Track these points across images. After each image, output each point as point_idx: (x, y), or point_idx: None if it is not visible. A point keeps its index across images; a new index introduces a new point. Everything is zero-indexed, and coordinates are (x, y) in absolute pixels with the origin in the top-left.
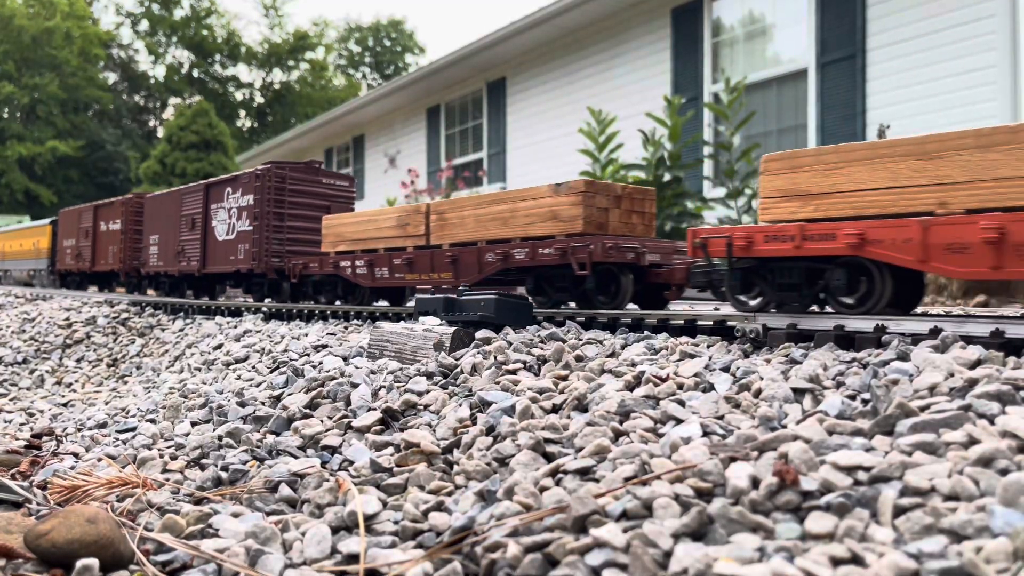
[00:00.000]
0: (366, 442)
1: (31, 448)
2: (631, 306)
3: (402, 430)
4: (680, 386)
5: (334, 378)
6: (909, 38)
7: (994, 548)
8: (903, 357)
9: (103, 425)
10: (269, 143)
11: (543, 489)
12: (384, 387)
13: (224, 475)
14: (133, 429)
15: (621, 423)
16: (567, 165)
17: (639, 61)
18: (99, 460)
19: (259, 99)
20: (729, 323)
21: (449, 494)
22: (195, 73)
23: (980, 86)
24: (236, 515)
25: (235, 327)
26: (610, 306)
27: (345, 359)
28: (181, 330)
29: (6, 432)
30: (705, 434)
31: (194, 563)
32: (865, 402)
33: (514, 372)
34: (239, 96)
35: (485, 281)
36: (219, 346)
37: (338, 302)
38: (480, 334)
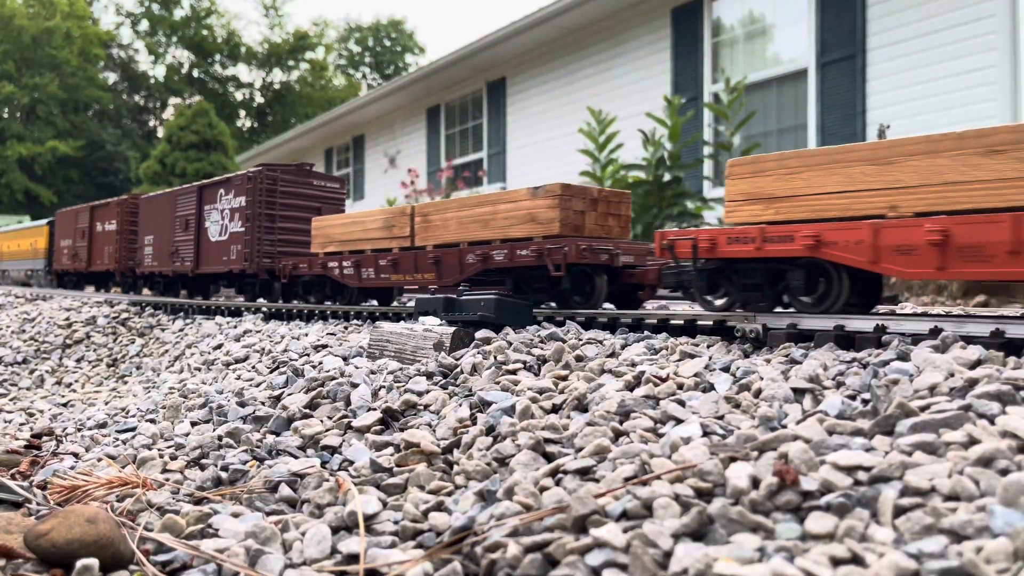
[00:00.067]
0: (366, 442)
1: (31, 448)
2: (607, 305)
3: (402, 430)
4: (680, 386)
5: (334, 378)
6: (909, 38)
7: (994, 548)
8: (903, 357)
9: (103, 425)
10: (269, 143)
11: (543, 489)
12: (384, 387)
13: (224, 475)
14: (133, 429)
15: (621, 423)
16: (567, 165)
17: (639, 61)
18: (99, 460)
19: (259, 99)
20: (729, 323)
21: (449, 494)
22: (195, 73)
23: (980, 86)
24: (236, 515)
25: (235, 327)
26: (586, 306)
27: (345, 359)
28: (181, 330)
29: (6, 432)
30: (705, 434)
31: (194, 563)
32: (865, 402)
33: (514, 372)
34: (239, 96)
35: (466, 281)
36: (219, 346)
37: (327, 302)
38: (480, 334)
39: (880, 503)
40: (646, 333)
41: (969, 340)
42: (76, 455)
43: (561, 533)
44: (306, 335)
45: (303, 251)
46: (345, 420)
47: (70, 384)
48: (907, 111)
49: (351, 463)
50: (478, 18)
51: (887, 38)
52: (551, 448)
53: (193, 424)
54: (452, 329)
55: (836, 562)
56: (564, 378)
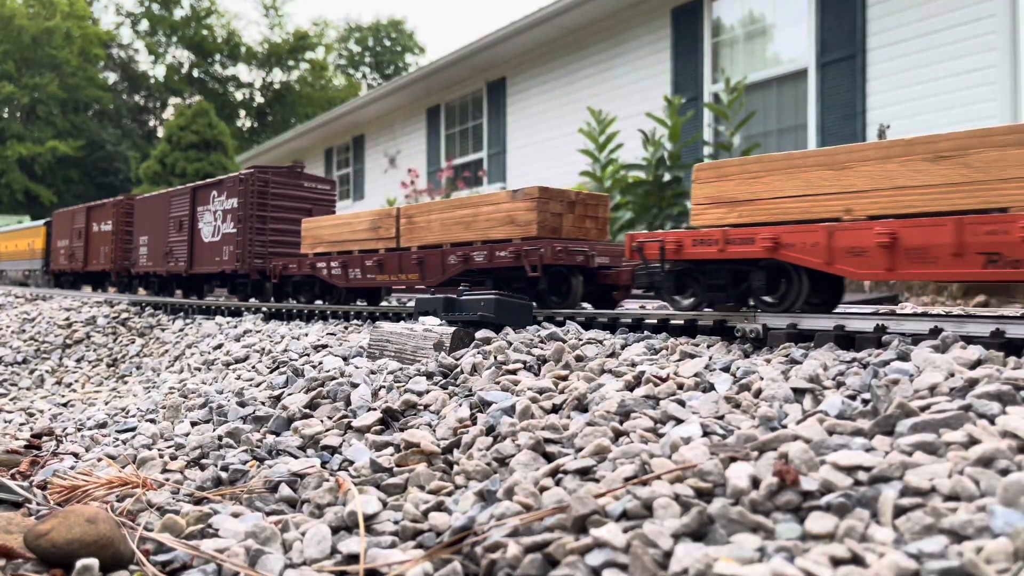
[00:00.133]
0: (366, 442)
1: (31, 448)
2: (584, 305)
3: (402, 430)
4: (680, 386)
5: (334, 378)
6: (909, 38)
7: (994, 548)
8: (903, 357)
9: (103, 425)
10: (269, 143)
11: (543, 489)
12: (384, 387)
13: (224, 475)
14: (133, 429)
15: (621, 423)
16: (567, 165)
17: (639, 61)
18: (99, 460)
19: (259, 99)
20: (729, 323)
21: (449, 494)
22: (195, 73)
23: (980, 86)
24: (236, 515)
25: (235, 327)
26: (563, 306)
27: (345, 359)
28: (181, 330)
29: (6, 432)
30: (705, 434)
31: (194, 563)
32: (865, 402)
33: (514, 372)
34: (239, 96)
35: (449, 282)
36: (219, 346)
37: (317, 301)
38: (480, 334)
39: (880, 503)
40: (646, 333)
41: (969, 340)
42: (76, 455)
43: (561, 533)
44: (306, 335)
45: (294, 252)
46: (345, 420)
47: (70, 384)
48: (907, 111)
49: (351, 463)
50: (478, 18)
51: (887, 38)
52: (551, 448)
53: (193, 424)
54: (452, 329)
55: (836, 562)
56: (564, 378)
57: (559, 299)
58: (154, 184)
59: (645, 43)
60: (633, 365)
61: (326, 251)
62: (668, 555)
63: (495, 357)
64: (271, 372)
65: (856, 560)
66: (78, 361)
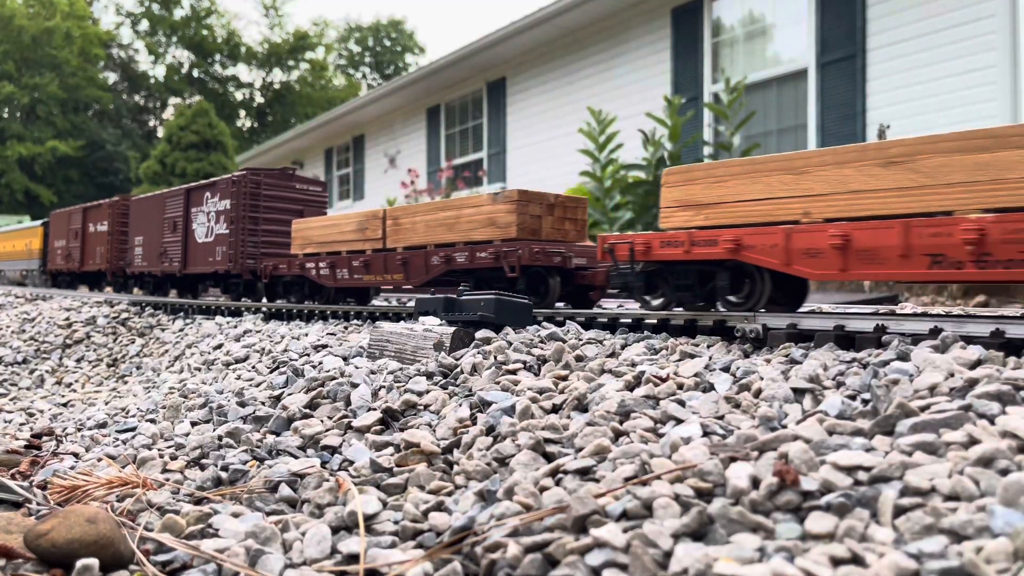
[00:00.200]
0: (366, 442)
1: (31, 448)
2: (559, 304)
3: (402, 430)
4: (680, 386)
5: (334, 378)
6: (909, 38)
7: (994, 548)
8: (903, 357)
9: (103, 425)
10: (269, 143)
11: (543, 489)
12: (384, 387)
13: (224, 475)
14: (133, 429)
15: (621, 423)
16: (567, 165)
17: (639, 61)
18: (99, 460)
19: (259, 99)
20: (729, 323)
21: (449, 494)
22: (195, 73)
23: (980, 86)
24: (236, 515)
25: (235, 327)
26: (541, 305)
27: (345, 359)
28: (181, 330)
29: (6, 432)
30: (705, 434)
31: (194, 563)
32: (865, 402)
33: (514, 372)
34: (239, 96)
35: (432, 282)
36: (219, 346)
37: (307, 301)
38: (480, 334)
39: (880, 503)
40: (646, 333)
41: (969, 340)
42: (76, 455)
43: (561, 533)
44: (306, 335)
45: (285, 252)
46: (345, 420)
47: (70, 384)
48: (907, 111)
49: (351, 463)
50: (478, 18)
51: (887, 38)
52: (551, 448)
53: (193, 424)
54: (452, 329)
55: (836, 562)
56: (564, 378)
57: (537, 299)
58: (154, 184)
59: (645, 43)
60: (633, 365)
61: (315, 252)
62: (668, 555)
63: (495, 357)
64: (271, 372)
65: (856, 560)
66: (78, 361)
